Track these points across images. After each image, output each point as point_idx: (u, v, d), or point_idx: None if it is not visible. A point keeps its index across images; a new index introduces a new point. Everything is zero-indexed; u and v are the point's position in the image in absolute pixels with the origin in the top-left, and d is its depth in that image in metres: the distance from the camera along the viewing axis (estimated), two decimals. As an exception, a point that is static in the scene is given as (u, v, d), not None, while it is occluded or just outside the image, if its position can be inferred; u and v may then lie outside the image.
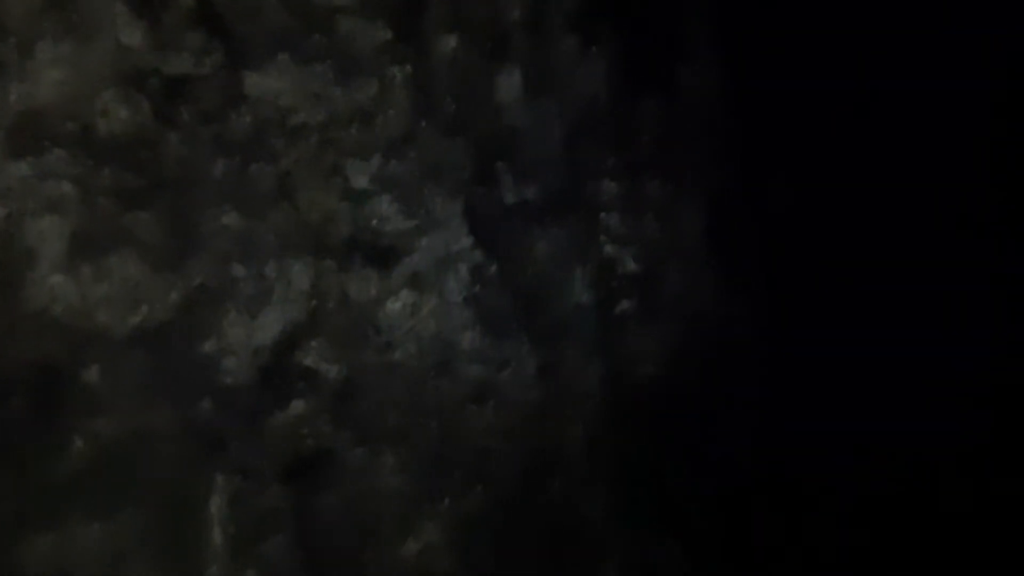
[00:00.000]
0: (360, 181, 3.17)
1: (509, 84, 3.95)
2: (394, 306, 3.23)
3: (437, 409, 3.35)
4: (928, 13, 5.44)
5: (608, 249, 4.30)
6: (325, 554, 2.94)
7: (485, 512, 3.44)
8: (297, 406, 2.93)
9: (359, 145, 3.17)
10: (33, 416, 2.40)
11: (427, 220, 3.36)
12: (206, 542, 2.69)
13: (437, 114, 3.50)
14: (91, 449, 2.54)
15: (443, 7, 3.52)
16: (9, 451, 2.35)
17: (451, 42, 3.54)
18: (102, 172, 2.62)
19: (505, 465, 3.58)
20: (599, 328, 4.17)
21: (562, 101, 4.19)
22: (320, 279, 3.00)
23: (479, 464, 3.48)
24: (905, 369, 5.41)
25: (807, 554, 4.79)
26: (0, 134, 2.30)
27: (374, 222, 3.20)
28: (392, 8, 3.27)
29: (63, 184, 2.44)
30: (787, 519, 4.88)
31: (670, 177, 4.75)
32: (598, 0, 4.36)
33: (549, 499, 3.79)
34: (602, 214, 4.27)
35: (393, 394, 3.21)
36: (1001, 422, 5.01)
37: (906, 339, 5.50)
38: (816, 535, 4.88)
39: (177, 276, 2.65)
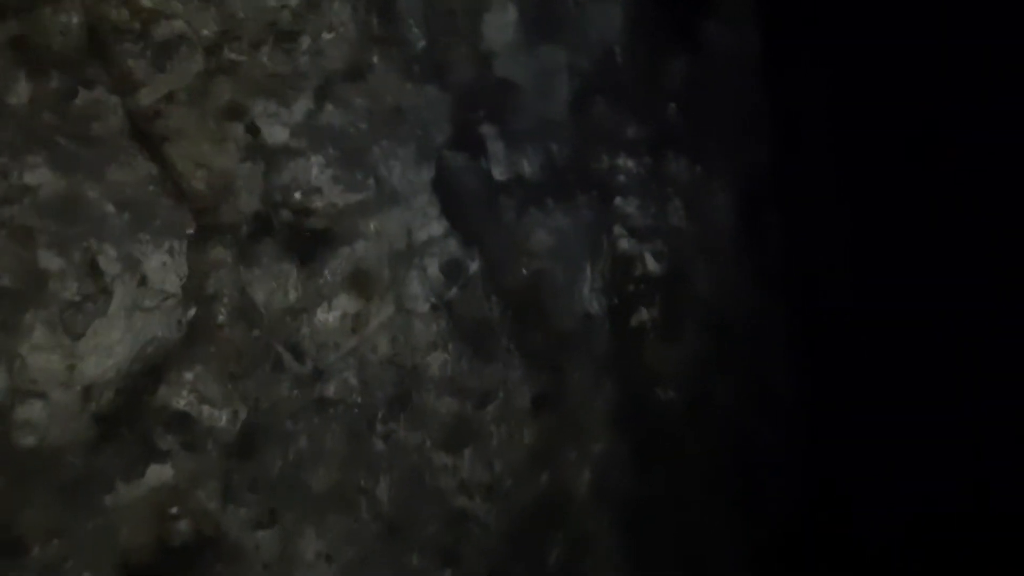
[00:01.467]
0: (276, 133, 1.97)
1: (502, 23, 2.76)
2: (326, 317, 2.03)
3: (389, 464, 2.16)
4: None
5: (624, 244, 3.13)
6: None
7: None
8: (160, 473, 1.74)
9: (274, 79, 1.98)
10: None
11: (378, 194, 2.16)
12: None
13: (399, 46, 2.31)
14: None
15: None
16: None
17: (423, -49, 2.36)
18: None
19: (486, 536, 2.39)
20: (612, 344, 3.00)
21: (570, 51, 3.01)
22: (202, 276, 1.81)
23: (450, 538, 2.29)
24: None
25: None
26: None
27: (296, 194, 2.00)
28: None
29: None
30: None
31: (700, 155, 3.56)
32: (615, -70, 3.19)
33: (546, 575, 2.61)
34: (617, 199, 3.09)
35: (321, 447, 2.02)
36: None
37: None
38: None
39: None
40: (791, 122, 4.49)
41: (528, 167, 2.71)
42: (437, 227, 2.31)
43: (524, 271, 2.63)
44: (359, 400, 2.10)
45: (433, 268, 2.31)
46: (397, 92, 2.24)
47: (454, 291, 2.35)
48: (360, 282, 2.08)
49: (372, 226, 2.11)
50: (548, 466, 2.60)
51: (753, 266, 3.93)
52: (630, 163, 3.11)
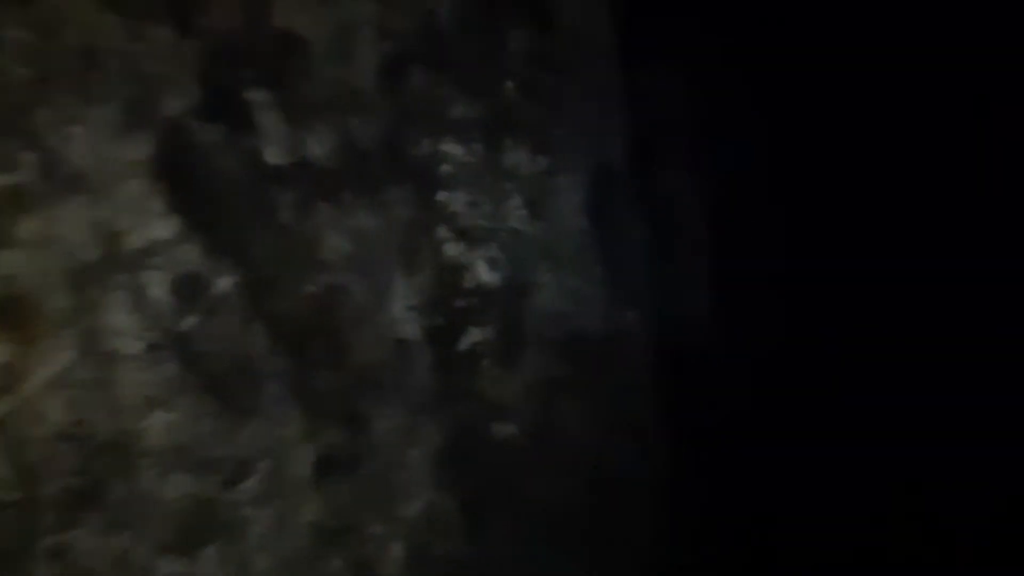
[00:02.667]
0: None
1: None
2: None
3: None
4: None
5: (451, 249, 2.35)
6: None
7: None
8: None
9: None
10: None
11: (44, 177, 1.33)
12: None
13: (94, -41, 1.47)
14: None
15: None
16: None
17: None
18: None
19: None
20: (434, 376, 2.22)
21: (380, 5, 2.21)
22: None
23: None
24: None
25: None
26: None
27: None
28: None
29: None
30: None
31: (545, 145, 2.82)
32: None
33: None
34: (442, 193, 2.31)
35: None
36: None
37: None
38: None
39: None
40: (651, 117, 3.81)
41: (318, 149, 1.90)
42: (162, 228, 1.48)
43: (308, 288, 1.83)
44: (16, 498, 1.25)
45: (156, 288, 1.47)
46: (91, 27, 1.40)
47: (191, 320, 1.52)
48: (12, 316, 1.24)
49: (32, 227, 1.26)
50: (340, 550, 1.81)
51: (610, 275, 3.22)
52: (458, 150, 2.33)
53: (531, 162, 2.68)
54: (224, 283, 1.58)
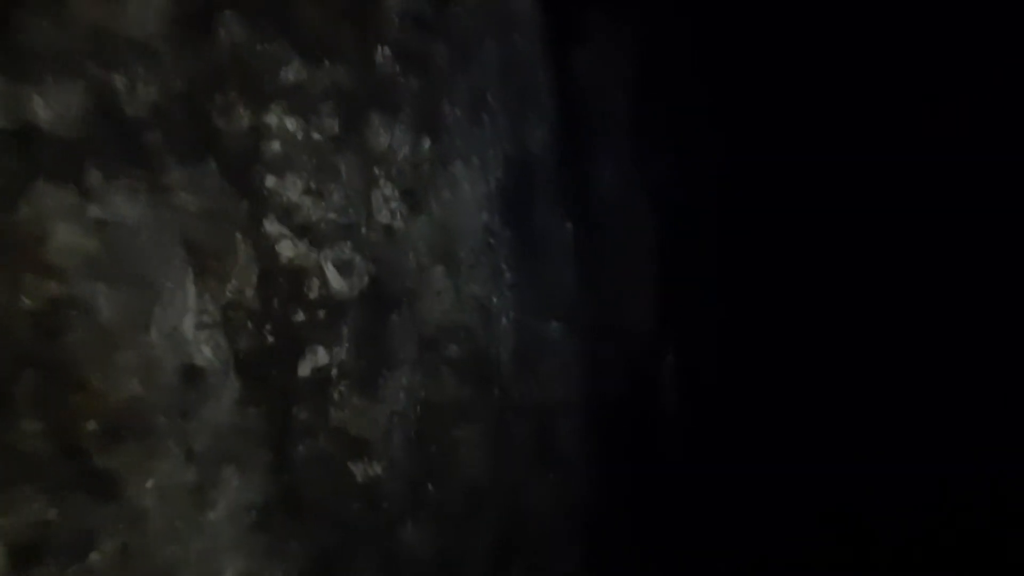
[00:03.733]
0: None
1: None
2: None
3: None
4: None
5: (288, 249, 1.76)
6: None
7: None
8: None
9: None
10: None
11: None
12: None
13: None
14: None
15: None
16: None
17: None
18: None
19: None
20: (244, 414, 1.62)
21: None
22: None
23: None
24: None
25: None
26: None
27: None
28: None
29: None
30: None
31: (432, 125, 2.20)
32: None
33: None
34: (271, 178, 1.72)
35: None
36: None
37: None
38: None
39: None
40: (588, 100, 3.22)
41: (48, 112, 1.32)
42: None
43: (21, 304, 1.24)
44: None
45: None
46: None
47: None
48: None
49: None
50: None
51: (526, 281, 2.63)
52: (293, 124, 1.74)
53: (411, 145, 2.08)
54: None
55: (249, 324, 1.62)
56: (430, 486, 2.11)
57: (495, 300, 2.43)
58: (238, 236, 1.60)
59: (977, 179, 3.67)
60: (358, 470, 1.87)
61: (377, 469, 1.92)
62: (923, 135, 3.66)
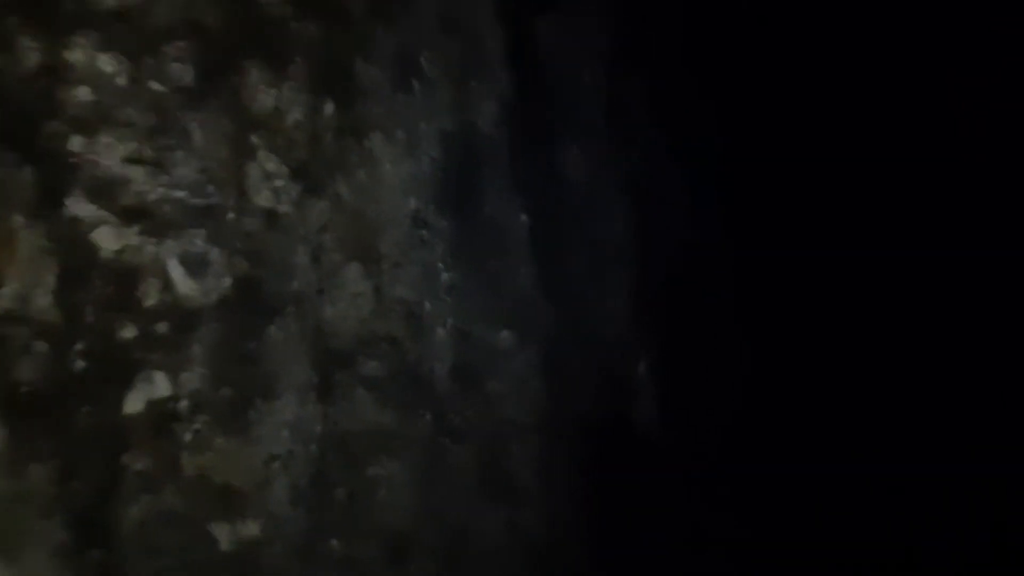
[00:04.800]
0: None
1: None
2: None
3: None
4: None
5: (105, 238, 1.24)
6: None
7: None
8: None
9: None
10: None
11: None
12: None
13: None
14: None
15: None
16: None
17: None
18: None
19: None
20: (14, 472, 1.10)
21: None
22: None
23: None
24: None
25: None
26: None
27: None
28: None
29: None
30: None
31: (335, 84, 1.67)
32: None
33: None
34: (75, 138, 1.20)
35: None
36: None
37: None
38: None
39: None
40: (552, 69, 2.68)
41: None
42: None
43: None
44: None
45: None
46: None
47: None
48: None
49: None
50: None
51: (471, 282, 2.10)
52: (113, 64, 1.21)
53: (307, 109, 1.53)
54: None
55: (38, 344, 1.07)
56: (335, 542, 1.57)
57: (429, 306, 1.89)
58: (17, 219, 1.05)
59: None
60: (223, 533, 1.33)
61: (253, 529, 1.38)
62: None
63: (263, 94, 1.44)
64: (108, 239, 1.18)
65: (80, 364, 1.14)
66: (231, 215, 1.35)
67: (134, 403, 1.20)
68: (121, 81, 1.18)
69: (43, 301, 1.10)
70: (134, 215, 1.21)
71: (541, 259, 2.42)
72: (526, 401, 2.25)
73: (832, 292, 3.60)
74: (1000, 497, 2.90)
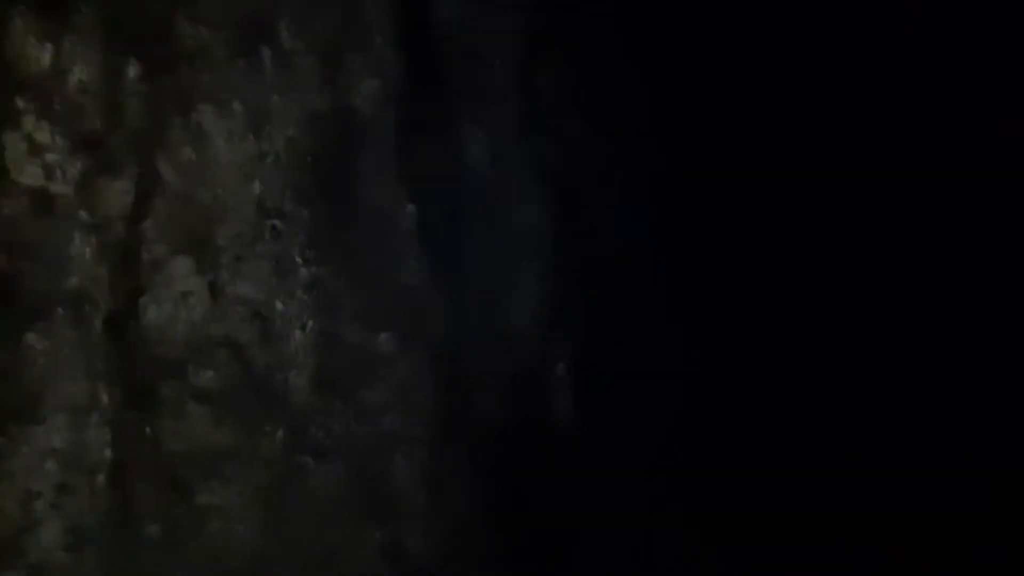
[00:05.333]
0: None
1: None
2: None
3: None
4: None
5: None
6: None
7: None
8: None
9: None
10: None
11: None
12: None
13: None
14: None
15: None
16: None
17: None
18: None
19: None
20: None
21: None
22: None
23: None
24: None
25: None
26: None
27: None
28: None
29: None
30: None
31: (113, 27, 1.39)
32: None
33: None
34: None
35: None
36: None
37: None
38: None
39: None
40: (445, 55, 2.39)
41: None
42: None
43: None
44: None
45: None
46: None
47: None
48: None
49: None
50: None
51: (340, 279, 1.82)
52: None
53: (100, 69, 1.24)
54: None
55: None
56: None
57: (281, 306, 1.61)
58: None
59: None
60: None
61: (12, 583, 1.08)
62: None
63: (33, 48, 1.14)
64: None
65: None
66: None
67: None
68: None
69: None
70: None
71: (434, 252, 2.14)
72: (413, 410, 1.98)
73: (781, 288, 3.37)
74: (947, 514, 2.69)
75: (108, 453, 1.19)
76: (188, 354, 1.44)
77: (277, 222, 1.61)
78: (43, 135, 1.14)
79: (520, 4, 2.75)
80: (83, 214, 1.18)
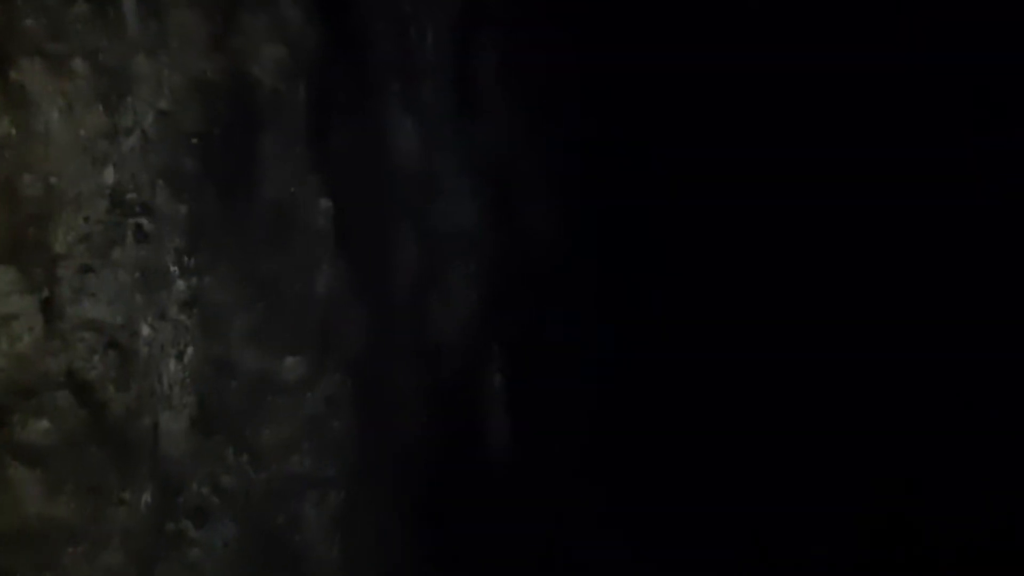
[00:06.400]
0: None
1: None
2: None
3: None
4: None
5: None
6: None
7: None
8: None
9: None
10: None
11: None
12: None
13: None
14: None
15: None
16: None
17: None
18: None
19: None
20: None
21: None
22: None
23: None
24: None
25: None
26: None
27: None
28: None
29: None
30: None
31: None
32: None
33: None
34: None
35: None
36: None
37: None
38: None
39: None
40: (365, 29, 1.96)
41: None
42: None
43: None
44: None
45: None
46: None
47: None
48: None
49: None
50: None
51: (222, 295, 1.38)
52: None
53: None
54: None
55: None
56: None
57: (149, 330, 1.16)
58: None
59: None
60: None
61: None
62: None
63: None
64: None
65: None
66: None
67: None
68: None
69: None
70: None
71: (353, 256, 1.72)
72: (325, 447, 1.56)
73: (710, 294, 3.07)
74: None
75: None
76: (11, 399, 1.00)
77: (143, 220, 1.17)
78: None
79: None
80: None
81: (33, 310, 1.03)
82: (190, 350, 1.25)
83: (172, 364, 1.22)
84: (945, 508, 2.31)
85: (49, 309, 1.05)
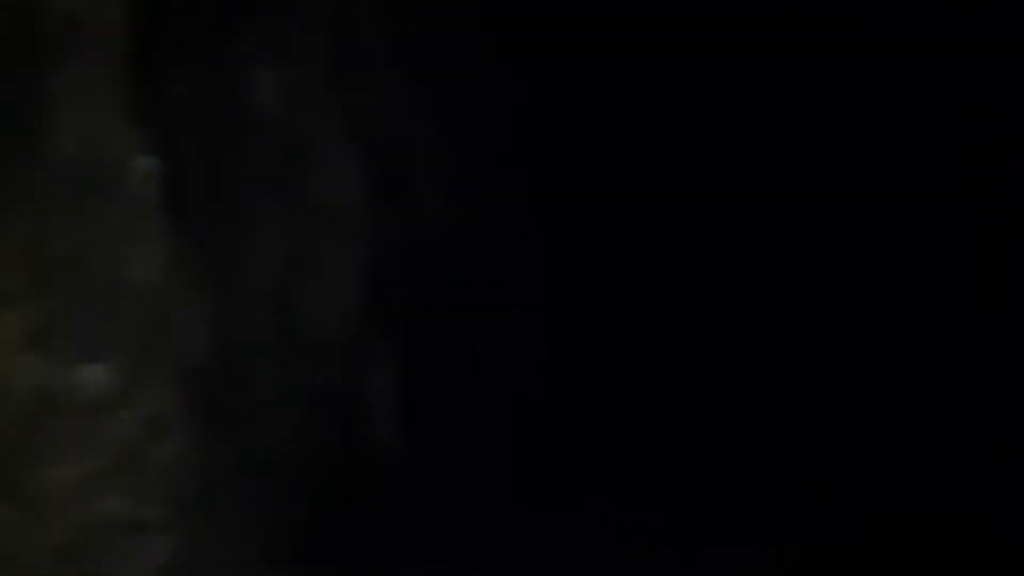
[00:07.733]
0: None
1: None
2: None
3: None
4: None
5: None
6: None
7: None
8: None
9: None
10: None
11: None
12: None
13: None
14: None
15: None
16: None
17: None
18: None
19: None
20: None
21: None
22: None
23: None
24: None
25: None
26: None
27: None
28: None
29: None
30: None
31: None
32: None
33: None
34: None
35: None
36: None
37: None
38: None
39: None
40: None
41: None
42: None
43: None
44: None
45: None
46: None
47: None
48: None
49: None
50: None
51: None
52: None
53: None
54: None
55: None
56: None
57: None
58: None
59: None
60: None
61: None
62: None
63: None
64: None
65: None
66: None
67: None
68: None
69: None
70: None
71: (191, 231, 1.29)
72: (147, 482, 1.14)
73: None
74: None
75: None
76: None
77: None
78: None
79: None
80: None
81: None
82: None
83: None
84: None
85: None
